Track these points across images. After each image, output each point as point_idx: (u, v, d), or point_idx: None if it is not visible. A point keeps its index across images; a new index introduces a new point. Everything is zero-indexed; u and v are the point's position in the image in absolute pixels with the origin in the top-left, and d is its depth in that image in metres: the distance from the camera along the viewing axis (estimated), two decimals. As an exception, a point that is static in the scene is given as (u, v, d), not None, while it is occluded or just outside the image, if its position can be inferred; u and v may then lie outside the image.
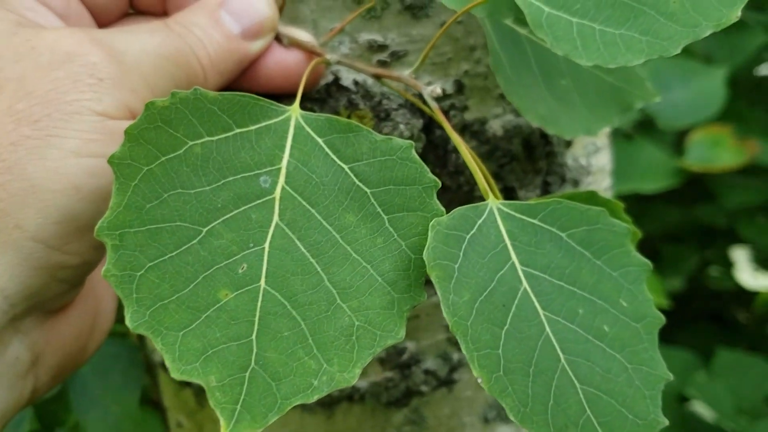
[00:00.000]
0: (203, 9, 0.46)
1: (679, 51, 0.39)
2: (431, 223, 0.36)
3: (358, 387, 0.55)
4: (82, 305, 0.43)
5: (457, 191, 0.52)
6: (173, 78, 0.42)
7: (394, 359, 0.55)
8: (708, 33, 0.39)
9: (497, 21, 0.49)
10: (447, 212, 0.50)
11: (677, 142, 1.46)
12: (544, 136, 0.54)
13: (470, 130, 0.52)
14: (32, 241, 0.37)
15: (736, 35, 1.53)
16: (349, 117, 0.50)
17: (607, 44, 0.39)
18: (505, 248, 0.38)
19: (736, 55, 1.53)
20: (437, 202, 0.37)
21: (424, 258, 0.35)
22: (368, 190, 0.37)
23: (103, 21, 0.48)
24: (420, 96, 0.47)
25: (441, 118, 0.43)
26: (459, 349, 0.56)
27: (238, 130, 0.37)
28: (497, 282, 0.37)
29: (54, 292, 0.39)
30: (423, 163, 0.37)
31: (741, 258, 1.68)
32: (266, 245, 0.35)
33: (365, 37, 0.50)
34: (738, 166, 1.35)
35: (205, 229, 0.35)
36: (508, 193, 0.54)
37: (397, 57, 0.50)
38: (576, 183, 0.57)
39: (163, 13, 0.49)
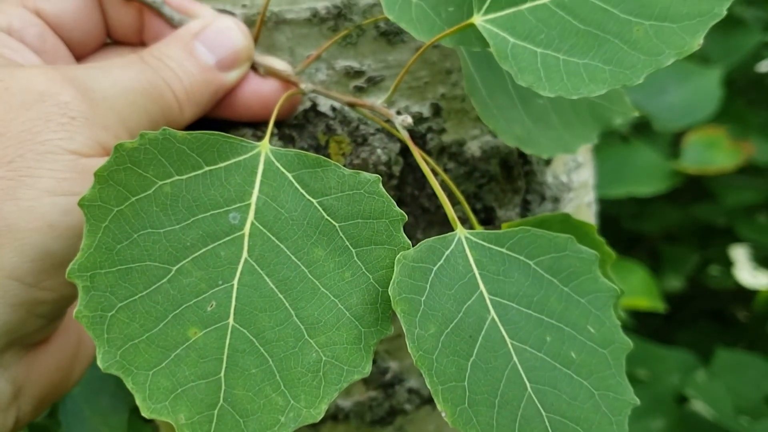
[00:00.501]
0: (177, 41, 0.46)
1: (641, 80, 0.39)
2: (397, 257, 0.36)
3: (343, 406, 0.56)
4: (63, 336, 0.44)
5: (436, 213, 0.53)
6: (147, 112, 0.43)
7: (378, 379, 0.55)
8: (671, 61, 0.39)
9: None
10: (426, 234, 0.51)
11: (673, 143, 1.47)
12: (523, 156, 0.55)
13: (448, 152, 0.53)
14: (9, 279, 0.38)
15: (733, 33, 1.53)
16: (327, 142, 0.51)
17: (570, 74, 0.40)
18: (473, 278, 0.39)
19: (734, 54, 1.52)
20: (404, 235, 0.37)
21: (389, 293, 0.35)
22: (336, 224, 0.38)
23: (79, 53, 0.49)
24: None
25: (411, 146, 0.43)
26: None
27: (207, 168, 0.38)
28: (464, 313, 0.37)
29: (33, 327, 0.40)
30: (390, 197, 0.38)
31: (740, 257, 1.68)
32: (235, 282, 0.36)
33: (342, 63, 0.51)
34: (734, 168, 1.35)
35: (174, 268, 0.36)
36: (488, 213, 0.55)
37: (374, 82, 0.51)
38: (556, 200, 0.57)
39: (140, 42, 0.50)
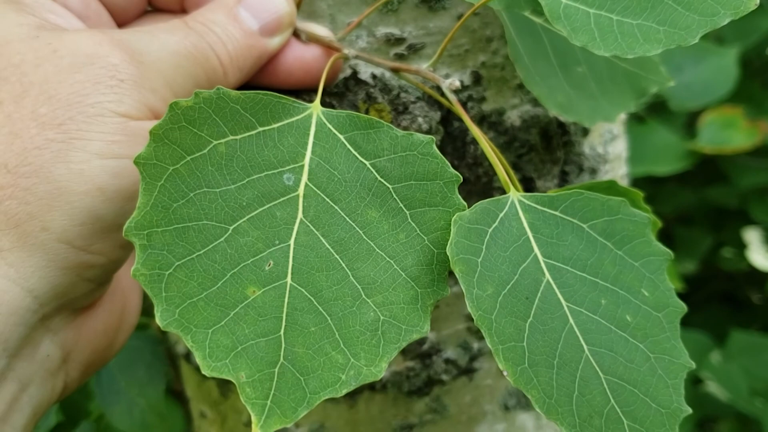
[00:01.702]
0: (222, 6, 0.46)
1: (696, 40, 0.39)
2: (453, 218, 0.36)
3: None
4: (109, 302, 0.44)
5: (476, 183, 0.52)
6: (193, 76, 0.43)
7: (416, 349, 0.55)
8: (726, 21, 0.39)
9: (514, 12, 0.49)
10: (466, 204, 0.51)
11: (689, 123, 1.46)
12: (562, 126, 0.54)
13: (488, 121, 0.52)
14: (59, 243, 0.37)
15: (747, 16, 1.52)
16: (367, 111, 0.50)
17: (624, 35, 0.39)
18: (528, 241, 0.38)
19: (748, 36, 1.51)
20: (458, 196, 0.37)
21: (448, 253, 0.35)
22: (390, 186, 0.37)
23: (122, 20, 0.48)
24: (438, 89, 0.47)
25: (460, 110, 0.43)
26: (479, 339, 0.56)
27: (261, 129, 0.37)
28: (520, 275, 0.37)
29: (82, 291, 0.40)
30: (444, 158, 0.37)
31: (754, 239, 1.67)
32: (291, 242, 0.36)
33: (382, 30, 0.50)
34: (750, 148, 1.34)
35: (231, 227, 0.35)
36: (527, 184, 0.54)
37: (415, 50, 0.50)
38: (593, 172, 0.57)
39: (181, 10, 0.50)
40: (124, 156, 0.38)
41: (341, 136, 0.38)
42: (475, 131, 0.41)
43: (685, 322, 0.40)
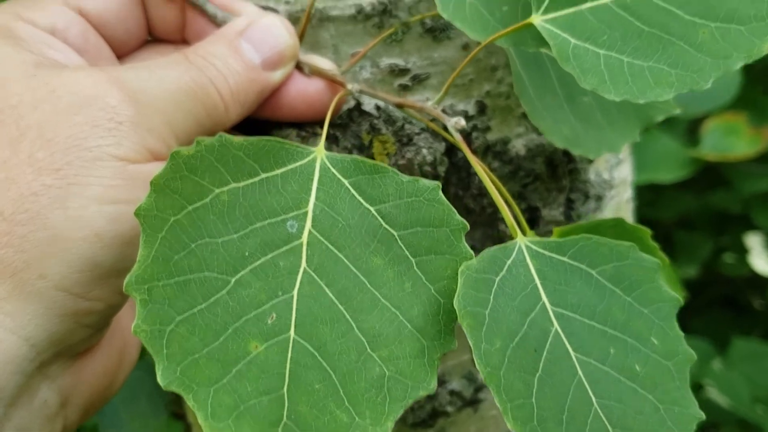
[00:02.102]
0: (223, 39, 0.45)
1: (709, 84, 0.38)
2: (461, 268, 0.35)
3: (382, 408, 0.55)
4: (108, 343, 0.43)
5: (481, 213, 0.52)
6: (193, 113, 0.42)
7: (418, 381, 0.54)
8: (740, 65, 0.38)
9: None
10: (470, 235, 0.50)
11: (691, 130, 1.45)
12: (567, 154, 0.53)
13: (492, 151, 0.51)
14: (56, 290, 0.37)
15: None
16: (371, 142, 0.50)
17: (635, 77, 0.39)
18: (536, 288, 0.38)
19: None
20: (465, 245, 0.36)
21: (455, 305, 0.34)
22: (395, 233, 0.37)
23: (121, 51, 0.48)
24: (443, 125, 0.46)
25: (466, 150, 0.42)
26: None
27: (264, 175, 0.37)
28: (528, 325, 0.36)
29: (80, 337, 0.39)
30: (450, 205, 0.37)
31: (755, 244, 1.66)
32: (294, 293, 0.35)
33: (386, 61, 0.49)
34: (754, 155, 1.33)
35: (233, 279, 0.35)
36: (532, 213, 0.54)
37: (419, 80, 0.50)
38: (599, 198, 0.56)
39: (182, 41, 0.49)
40: (123, 201, 0.38)
41: (346, 182, 0.37)
42: (480, 171, 0.41)
43: (686, 328, 0.40)
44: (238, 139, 0.36)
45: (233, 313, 0.34)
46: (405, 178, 0.37)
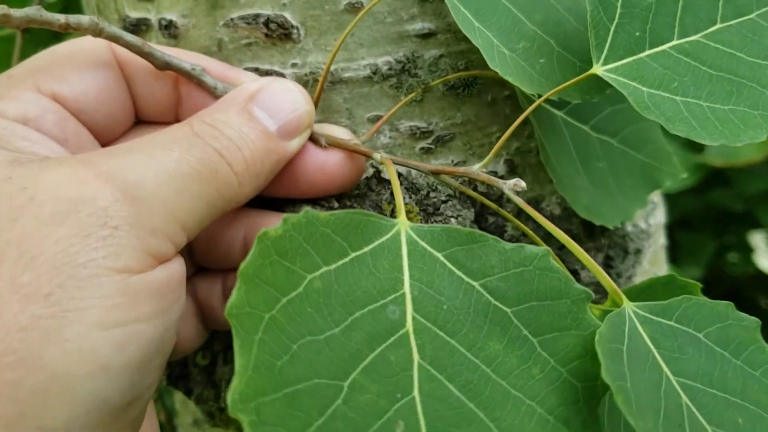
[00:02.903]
0: (233, 105, 0.39)
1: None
2: (596, 339, 0.31)
3: None
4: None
5: (518, 284, 0.48)
6: (202, 196, 0.35)
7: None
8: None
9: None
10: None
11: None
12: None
13: (525, 212, 0.48)
14: None
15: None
16: (392, 211, 0.45)
17: (722, 122, 0.37)
18: (655, 358, 0.34)
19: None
20: (592, 316, 0.32)
21: (606, 380, 0.30)
22: (508, 310, 0.32)
23: (105, 138, 0.41)
24: (470, 183, 0.42)
25: (536, 215, 0.38)
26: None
27: (353, 254, 0.31)
28: (664, 399, 0.32)
29: None
30: (567, 273, 0.33)
31: (760, 243, 1.65)
32: (416, 393, 0.29)
33: (406, 124, 0.45)
34: (762, 159, 1.30)
35: (346, 384, 0.28)
36: (573, 277, 0.50)
37: (443, 142, 0.46)
38: (638, 252, 0.53)
39: (175, 121, 0.42)
40: (130, 321, 0.31)
41: (439, 255, 0.32)
42: (564, 237, 0.37)
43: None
44: (324, 214, 0.30)
45: (356, 427, 0.28)
46: (508, 245, 0.33)
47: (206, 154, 0.36)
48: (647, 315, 0.35)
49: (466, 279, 0.32)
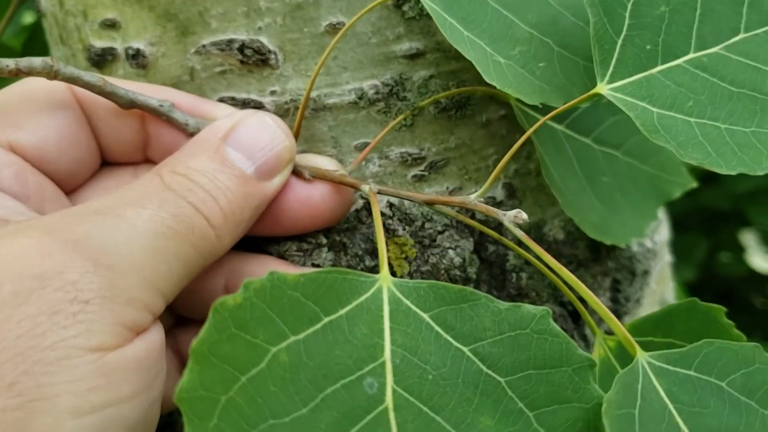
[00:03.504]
0: (204, 147, 0.36)
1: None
2: (604, 408, 0.28)
3: None
4: None
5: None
6: (179, 257, 0.32)
7: None
8: None
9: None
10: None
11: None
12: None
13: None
14: None
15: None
16: (386, 246, 0.41)
17: (742, 147, 0.33)
18: (672, 416, 0.30)
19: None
20: (595, 386, 0.29)
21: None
22: (501, 379, 0.29)
23: (70, 186, 0.38)
24: (468, 211, 0.39)
25: (538, 249, 0.35)
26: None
27: (327, 319, 0.28)
28: (683, 467, 0.29)
29: None
30: (567, 336, 0.29)
31: (751, 241, 1.62)
32: (397, 481, 0.26)
33: (397, 150, 0.42)
34: None
35: (315, 474, 0.25)
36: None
37: (437, 168, 0.42)
38: (645, 273, 0.50)
39: (144, 161, 0.40)
40: (108, 405, 0.28)
41: (425, 316, 0.29)
42: (574, 281, 0.33)
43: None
44: (292, 275, 0.27)
45: None
46: (503, 305, 0.30)
47: (180, 209, 0.33)
48: (663, 365, 0.31)
49: (455, 343, 0.29)
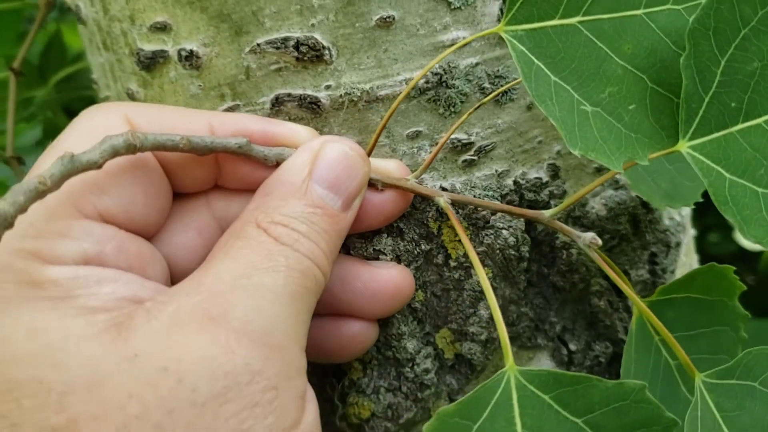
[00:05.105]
0: (292, 191, 0.36)
1: None
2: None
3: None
4: None
5: (572, 290, 0.47)
6: (310, 309, 0.35)
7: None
8: None
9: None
10: (559, 315, 0.45)
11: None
12: (645, 205, 0.48)
13: (571, 217, 0.46)
14: None
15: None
16: (439, 228, 0.43)
17: None
18: (720, 427, 0.34)
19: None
20: None
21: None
22: None
23: (152, 234, 0.38)
24: (519, 195, 0.43)
25: (609, 271, 0.38)
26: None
27: (475, 426, 0.34)
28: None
29: None
30: (658, 403, 0.34)
31: None
32: None
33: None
34: None
35: None
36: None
37: (485, 152, 0.43)
38: (678, 245, 0.52)
39: (212, 186, 0.40)
40: None
41: (546, 397, 0.34)
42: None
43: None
44: (451, 407, 0.34)
45: None
46: (609, 383, 0.34)
47: (302, 264, 0.34)
48: (715, 381, 0.35)
49: (571, 418, 0.34)
